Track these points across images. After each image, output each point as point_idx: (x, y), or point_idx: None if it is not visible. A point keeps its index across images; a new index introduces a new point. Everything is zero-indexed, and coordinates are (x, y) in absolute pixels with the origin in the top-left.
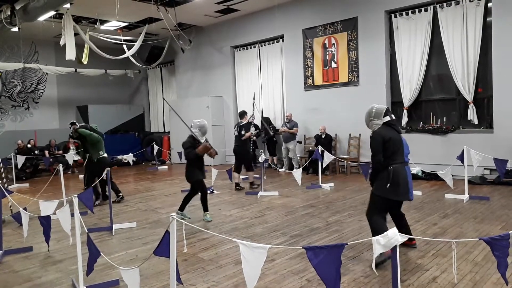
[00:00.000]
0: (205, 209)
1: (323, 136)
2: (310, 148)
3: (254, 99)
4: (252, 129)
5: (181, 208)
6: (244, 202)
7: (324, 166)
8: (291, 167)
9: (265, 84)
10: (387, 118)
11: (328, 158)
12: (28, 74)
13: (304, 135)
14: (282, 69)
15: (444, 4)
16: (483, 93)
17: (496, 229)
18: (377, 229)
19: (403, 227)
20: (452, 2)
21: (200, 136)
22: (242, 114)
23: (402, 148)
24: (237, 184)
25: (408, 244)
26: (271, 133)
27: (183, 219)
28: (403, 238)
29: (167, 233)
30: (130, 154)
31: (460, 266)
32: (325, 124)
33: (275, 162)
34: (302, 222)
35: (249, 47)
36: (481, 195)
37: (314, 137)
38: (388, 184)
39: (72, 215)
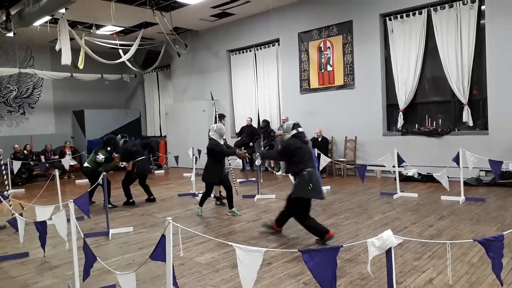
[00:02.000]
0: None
1: (319, 139)
2: None
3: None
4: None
5: (201, 204)
6: (241, 205)
7: (320, 169)
8: (288, 170)
9: (261, 88)
10: (294, 131)
11: (324, 161)
12: (24, 79)
13: None
14: (278, 72)
15: (438, 7)
16: (478, 95)
17: (492, 230)
18: (317, 228)
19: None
20: (446, 5)
21: (218, 139)
22: (221, 116)
23: (311, 155)
24: (219, 197)
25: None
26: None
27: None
28: (397, 239)
29: (163, 237)
30: None
31: (456, 267)
32: (321, 127)
33: (272, 165)
34: (299, 225)
35: (245, 51)
36: (477, 196)
37: (310, 140)
38: (310, 186)
39: (68, 220)
